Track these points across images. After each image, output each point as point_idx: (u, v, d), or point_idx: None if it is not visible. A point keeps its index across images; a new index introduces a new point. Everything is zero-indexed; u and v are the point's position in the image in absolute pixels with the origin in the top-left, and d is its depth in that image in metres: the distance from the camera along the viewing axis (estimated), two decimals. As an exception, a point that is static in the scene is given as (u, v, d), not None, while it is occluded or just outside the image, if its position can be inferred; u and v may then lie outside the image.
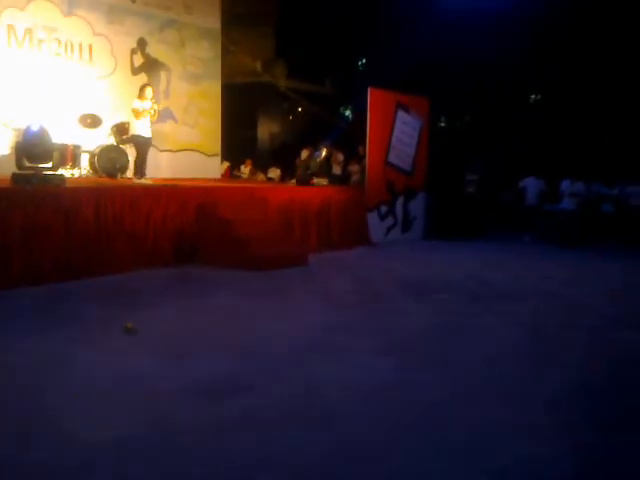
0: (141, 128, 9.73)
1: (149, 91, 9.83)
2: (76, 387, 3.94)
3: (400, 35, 16.40)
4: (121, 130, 10.99)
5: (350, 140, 14.16)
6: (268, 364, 4.54)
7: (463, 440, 3.38)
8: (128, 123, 10.40)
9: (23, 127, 9.54)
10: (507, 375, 4.52)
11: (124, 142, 10.87)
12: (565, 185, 13.31)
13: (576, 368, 4.75)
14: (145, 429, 3.36)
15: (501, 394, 4.13)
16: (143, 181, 9.63)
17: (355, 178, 13.04)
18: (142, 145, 9.80)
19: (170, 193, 8.93)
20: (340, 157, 13.58)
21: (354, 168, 13.13)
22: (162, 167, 12.53)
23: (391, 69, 14.73)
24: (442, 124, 20.76)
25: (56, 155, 8.65)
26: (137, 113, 9.64)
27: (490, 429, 3.54)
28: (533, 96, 21.11)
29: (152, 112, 9.72)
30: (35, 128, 8.65)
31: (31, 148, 8.39)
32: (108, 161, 10.74)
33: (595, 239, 13.06)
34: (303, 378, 4.26)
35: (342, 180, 13.24)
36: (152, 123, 9.98)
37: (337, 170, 13.41)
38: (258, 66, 17.44)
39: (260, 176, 15.44)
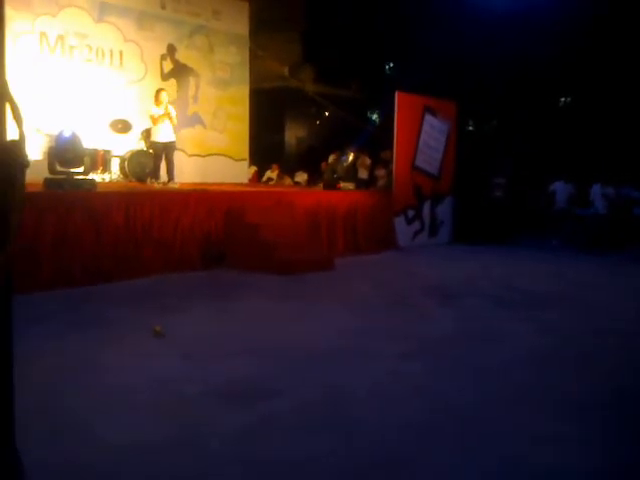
0: (159, 134, 9.84)
1: (164, 95, 9.90)
2: (104, 390, 3.99)
3: (428, 39, 16.34)
4: (149, 136, 11.13)
5: (378, 144, 14.16)
6: (294, 368, 4.56)
7: (488, 447, 3.36)
8: (152, 129, 10.56)
9: (55, 132, 9.73)
10: (534, 381, 4.47)
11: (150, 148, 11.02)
12: (595, 189, 13.14)
13: (606, 375, 4.68)
14: (171, 432, 3.39)
15: (527, 400, 4.08)
16: (171, 186, 9.72)
17: (382, 182, 13.02)
18: (159, 151, 9.94)
19: (198, 198, 9.02)
20: (367, 161, 13.59)
21: (380, 172, 13.12)
22: (191, 172, 12.66)
23: (419, 73, 14.70)
24: (470, 128, 20.64)
25: (87, 160, 8.79)
26: (153, 119, 9.76)
27: (516, 436, 3.51)
28: (563, 99, 20.88)
29: (170, 115, 9.77)
30: (67, 133, 8.80)
31: (63, 153, 8.53)
32: (138, 166, 10.89)
33: (626, 243, 12.87)
34: (328, 382, 4.27)
35: (368, 184, 13.24)
36: (174, 126, 10.05)
37: (363, 174, 13.42)
38: (285, 71, 17.52)
39: (287, 180, 15.51)
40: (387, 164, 12.99)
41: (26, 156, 1.83)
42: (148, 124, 10.54)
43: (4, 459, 1.85)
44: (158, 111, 9.72)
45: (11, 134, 1.84)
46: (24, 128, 1.83)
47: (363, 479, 3.01)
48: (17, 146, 1.82)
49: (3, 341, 1.88)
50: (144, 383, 4.13)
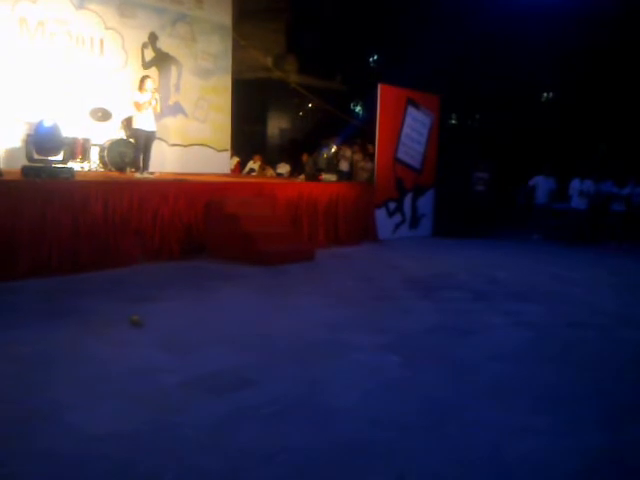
0: (143, 121, 9.68)
1: (149, 82, 9.75)
2: (80, 379, 3.97)
3: (413, 32, 16.36)
4: (130, 124, 11.01)
5: (364, 137, 14.14)
6: (271, 359, 4.55)
7: (465, 438, 3.38)
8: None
9: (34, 120, 9.60)
10: (511, 374, 4.51)
11: (131, 136, 10.90)
12: (575, 184, 13.25)
13: (582, 368, 4.73)
14: (146, 422, 3.38)
15: (505, 393, 4.11)
16: (146, 175, 9.60)
17: (365, 175, 13.01)
18: (143, 139, 9.76)
19: (179, 188, 8.95)
20: (348, 153, 13.57)
21: (367, 165, 13.09)
22: (172, 161, 12.57)
23: (403, 66, 14.69)
24: (453, 121, 20.71)
25: (66, 148, 8.69)
26: (138, 105, 9.59)
27: (493, 428, 3.53)
28: (545, 94, 21.02)
29: (153, 103, 9.64)
30: (46, 121, 8.69)
31: (41, 141, 8.43)
32: (117, 155, 10.77)
33: (605, 238, 13.02)
34: (306, 374, 4.27)
35: (350, 176, 13.23)
36: (156, 115, 9.93)
37: (344, 166, 13.40)
38: (269, 61, 17.44)
39: (270, 172, 15.46)
40: (372, 157, 12.98)
41: None
42: (128, 113, 10.42)
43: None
44: (142, 97, 9.59)
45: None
46: None
47: (336, 469, 3.01)
48: None
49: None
50: (121, 373, 4.11)
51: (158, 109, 9.84)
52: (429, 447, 3.27)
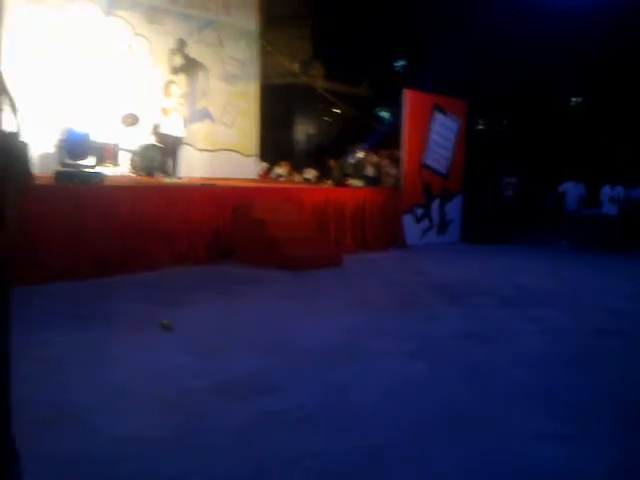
0: (170, 127, 9.74)
1: (174, 88, 9.82)
2: (106, 382, 4.00)
3: (438, 37, 16.29)
4: (158, 129, 11.13)
5: (389, 142, 14.11)
6: (298, 365, 4.54)
7: (490, 445, 3.34)
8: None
9: (65, 126, 9.75)
10: (537, 381, 4.44)
11: (159, 141, 11.00)
12: (605, 190, 13.06)
13: (608, 375, 4.65)
14: (172, 426, 3.39)
15: (531, 400, 4.05)
16: (174, 180, 9.68)
17: (390, 180, 12.97)
18: (170, 144, 9.82)
19: (206, 193, 9.02)
20: (374, 159, 13.54)
21: (392, 171, 13.06)
22: (200, 166, 12.67)
23: (429, 71, 14.64)
24: (480, 127, 20.57)
25: (97, 154, 8.82)
26: (164, 111, 9.67)
27: (518, 434, 3.48)
28: (574, 99, 20.79)
29: (179, 108, 9.69)
30: (77, 127, 8.83)
31: (73, 146, 8.57)
32: (146, 159, 10.90)
33: (636, 244, 12.80)
34: (331, 380, 4.25)
35: (375, 182, 13.20)
36: (184, 120, 9.99)
37: (370, 172, 13.38)
38: (296, 67, 17.50)
39: (297, 177, 15.50)
40: (398, 162, 12.95)
41: (23, 147, 1.82)
42: (157, 118, 10.53)
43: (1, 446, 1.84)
44: (168, 103, 9.68)
45: (7, 125, 1.82)
46: (19, 119, 1.81)
47: (361, 475, 2.99)
48: (12, 137, 1.81)
49: (1, 333, 1.87)
50: (147, 376, 4.13)
51: (183, 113, 9.91)
52: (452, 453, 3.23)
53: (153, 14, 12.03)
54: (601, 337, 5.81)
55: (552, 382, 4.45)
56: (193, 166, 12.31)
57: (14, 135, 1.81)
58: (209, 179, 11.39)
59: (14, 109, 1.79)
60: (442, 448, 3.29)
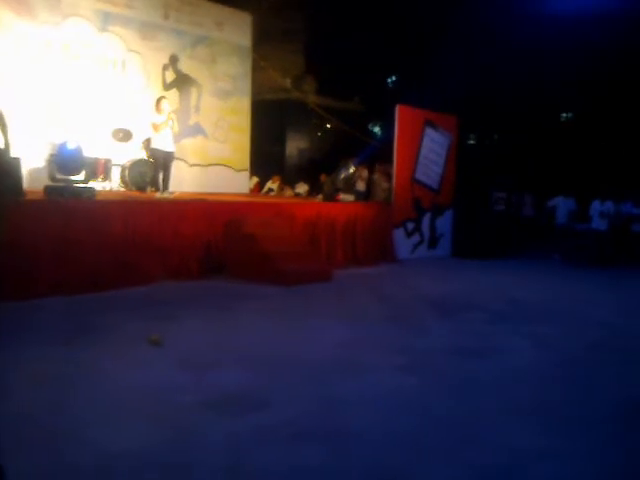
0: (160, 142, 9.78)
1: (164, 103, 9.86)
2: (98, 397, 3.99)
3: (430, 53, 16.44)
4: (149, 144, 11.16)
5: (384, 157, 14.18)
6: (288, 380, 4.55)
7: (481, 461, 3.35)
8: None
9: (57, 141, 9.77)
10: (530, 397, 4.46)
11: (150, 156, 11.03)
12: (595, 205, 13.17)
13: (600, 391, 4.67)
14: (162, 441, 3.39)
15: (523, 415, 4.07)
16: (166, 195, 9.69)
17: (383, 195, 13.03)
18: (161, 159, 9.85)
19: (198, 208, 9.03)
20: (365, 173, 13.60)
21: (384, 185, 13.12)
22: (191, 181, 12.71)
23: (421, 87, 14.76)
24: (471, 141, 20.72)
25: (88, 168, 8.82)
26: (155, 127, 9.71)
27: (509, 451, 3.49)
28: (564, 115, 20.98)
29: (169, 124, 9.73)
30: (69, 142, 8.83)
31: (64, 161, 8.57)
32: (138, 175, 10.93)
33: (626, 260, 12.89)
34: (322, 395, 4.26)
35: (366, 196, 13.26)
36: (176, 135, 10.03)
37: (361, 186, 13.44)
38: (288, 82, 17.61)
39: (288, 191, 15.54)
40: (390, 177, 13.01)
41: (14, 163, 1.85)
42: (149, 133, 10.57)
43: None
44: (159, 119, 9.72)
45: None
46: (9, 137, 1.84)
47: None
48: (2, 154, 1.84)
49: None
50: (138, 391, 4.13)
51: (175, 129, 9.94)
52: (446, 470, 3.24)
53: (146, 30, 12.12)
54: (594, 351, 5.83)
55: (544, 397, 4.46)
56: (185, 181, 12.35)
57: (3, 151, 1.84)
58: (201, 194, 11.42)
59: (4, 127, 1.81)
60: (436, 465, 3.29)
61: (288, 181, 16.38)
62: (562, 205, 13.83)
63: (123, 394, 4.06)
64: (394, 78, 22.00)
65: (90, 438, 3.37)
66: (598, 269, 12.12)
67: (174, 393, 4.12)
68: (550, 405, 4.30)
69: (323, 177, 14.48)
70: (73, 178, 8.55)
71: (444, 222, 13.64)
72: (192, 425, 3.63)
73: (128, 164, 11.02)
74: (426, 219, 13.20)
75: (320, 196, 12.88)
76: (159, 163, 9.91)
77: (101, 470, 3.03)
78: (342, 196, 12.43)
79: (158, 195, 9.74)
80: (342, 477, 3.11)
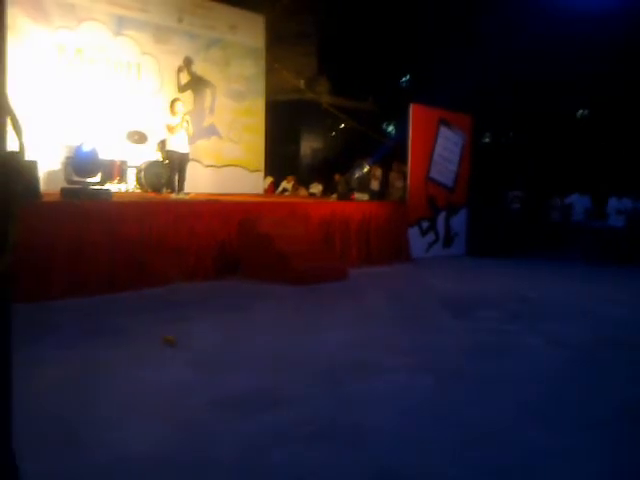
0: (175, 143, 9.85)
1: (179, 105, 9.93)
2: (115, 399, 4.01)
3: (443, 52, 16.39)
4: (164, 146, 11.24)
5: (399, 156, 14.16)
6: (303, 380, 4.55)
7: (497, 461, 3.33)
8: (167, 139, 10.60)
9: (73, 143, 9.87)
10: (547, 396, 4.43)
11: (165, 158, 11.10)
12: (612, 202, 13.06)
13: (621, 391, 4.63)
14: (177, 441, 3.40)
15: (539, 415, 4.04)
16: (181, 196, 9.75)
17: (397, 194, 13.01)
18: (176, 160, 9.92)
19: (213, 208, 9.07)
20: (379, 172, 13.59)
21: (399, 183, 13.10)
22: (206, 182, 12.77)
23: (434, 86, 14.72)
24: (486, 140, 20.62)
25: (104, 170, 8.90)
26: (170, 128, 9.78)
27: (526, 451, 3.47)
28: (580, 111, 20.81)
29: (184, 125, 9.79)
30: (85, 144, 8.92)
31: (80, 164, 8.65)
32: (153, 176, 11.00)
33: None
34: (338, 395, 4.25)
35: (380, 195, 13.24)
36: (190, 137, 10.10)
37: (375, 185, 13.42)
38: (301, 83, 17.64)
39: (302, 191, 15.57)
40: (405, 176, 12.99)
41: (31, 165, 1.87)
42: (164, 135, 10.65)
43: (1, 460, 1.88)
44: (174, 120, 9.78)
45: (11, 145, 1.88)
46: (24, 139, 1.87)
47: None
48: (16, 157, 1.86)
49: (1, 348, 1.91)
50: (155, 392, 4.15)
51: (190, 131, 10.01)
52: (463, 470, 3.23)
53: (160, 34, 12.21)
54: (610, 350, 5.78)
55: (562, 396, 4.43)
56: (200, 182, 12.41)
57: (17, 154, 1.86)
58: (216, 194, 11.47)
59: (18, 130, 1.84)
60: (453, 465, 3.27)
61: (302, 181, 16.41)
62: (578, 203, 13.73)
63: (140, 395, 4.08)
64: (408, 77, 21.95)
65: (107, 440, 3.38)
66: (615, 267, 12.01)
67: (190, 393, 4.14)
68: (565, 405, 4.27)
69: (337, 177, 14.48)
70: (89, 180, 8.63)
71: (459, 221, 13.59)
72: (208, 425, 3.64)
73: (144, 166, 11.10)
74: (441, 218, 13.15)
75: (334, 196, 12.88)
76: (174, 164, 9.97)
77: (118, 471, 3.05)
78: (357, 195, 12.43)
79: (174, 196, 9.79)
80: (359, 476, 3.11)
